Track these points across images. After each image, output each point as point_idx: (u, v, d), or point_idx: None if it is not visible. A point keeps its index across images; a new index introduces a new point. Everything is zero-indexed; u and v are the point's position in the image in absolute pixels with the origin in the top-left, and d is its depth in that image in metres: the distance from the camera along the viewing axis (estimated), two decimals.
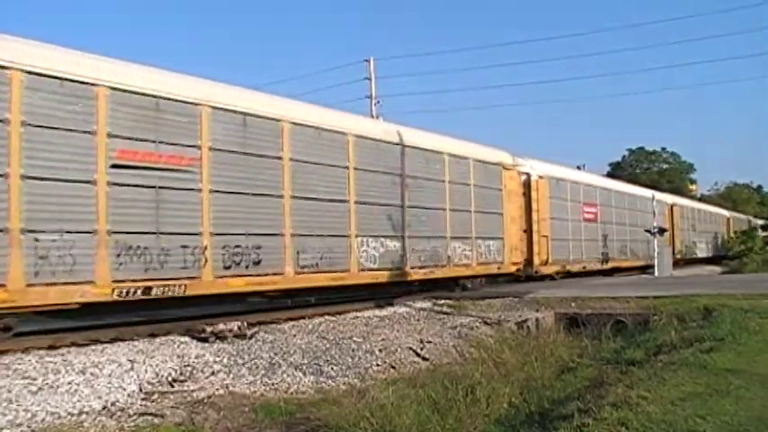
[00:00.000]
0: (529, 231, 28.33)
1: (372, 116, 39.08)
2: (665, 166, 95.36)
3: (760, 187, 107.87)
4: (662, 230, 36.85)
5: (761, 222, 72.50)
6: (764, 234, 62.70)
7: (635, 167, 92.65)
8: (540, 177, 29.45)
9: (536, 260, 28.46)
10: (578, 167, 45.99)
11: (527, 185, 28.54)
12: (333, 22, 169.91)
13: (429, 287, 22.70)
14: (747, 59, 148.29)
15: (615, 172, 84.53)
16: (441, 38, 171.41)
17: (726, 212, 67.90)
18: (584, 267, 32.94)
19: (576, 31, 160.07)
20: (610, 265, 36.23)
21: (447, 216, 22.83)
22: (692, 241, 51.75)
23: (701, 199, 78.81)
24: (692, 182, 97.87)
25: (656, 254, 33.51)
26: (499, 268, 25.68)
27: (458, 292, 23.21)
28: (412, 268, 20.91)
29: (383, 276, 19.78)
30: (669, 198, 49.28)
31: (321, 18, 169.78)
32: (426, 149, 22.24)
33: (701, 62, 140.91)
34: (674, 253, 42.29)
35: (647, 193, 43.53)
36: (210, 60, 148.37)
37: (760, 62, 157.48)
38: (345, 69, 66.77)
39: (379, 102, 43.28)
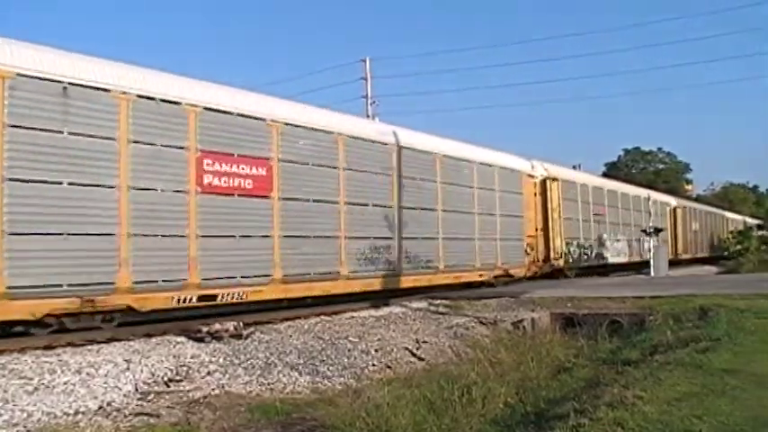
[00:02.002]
0: None
1: (368, 116, 39.08)
2: (661, 166, 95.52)
3: (756, 187, 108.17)
4: (657, 230, 36.75)
5: (756, 222, 72.37)
6: (761, 233, 62.61)
7: (631, 167, 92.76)
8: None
9: None
10: (574, 167, 45.30)
11: None
12: (329, 22, 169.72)
13: None
14: (744, 59, 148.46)
15: (611, 172, 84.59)
16: (438, 38, 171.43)
17: (672, 200, 50.83)
18: (238, 295, 16.09)
19: (573, 32, 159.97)
20: (349, 286, 19.25)
21: None
22: (595, 239, 34.84)
23: (698, 198, 78.55)
24: (689, 182, 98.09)
25: (651, 253, 33.47)
26: None
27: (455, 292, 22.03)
28: None
29: None
30: (538, 167, 30.76)
31: (317, 18, 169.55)
32: None
33: (698, 62, 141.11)
34: (548, 258, 30.29)
35: (478, 154, 26.16)
36: (206, 59, 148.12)
37: (756, 62, 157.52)
38: (341, 69, 66.56)
39: (375, 102, 43.31)
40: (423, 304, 19.79)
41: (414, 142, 22.47)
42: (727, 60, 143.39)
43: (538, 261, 29.69)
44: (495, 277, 26.02)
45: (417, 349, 15.02)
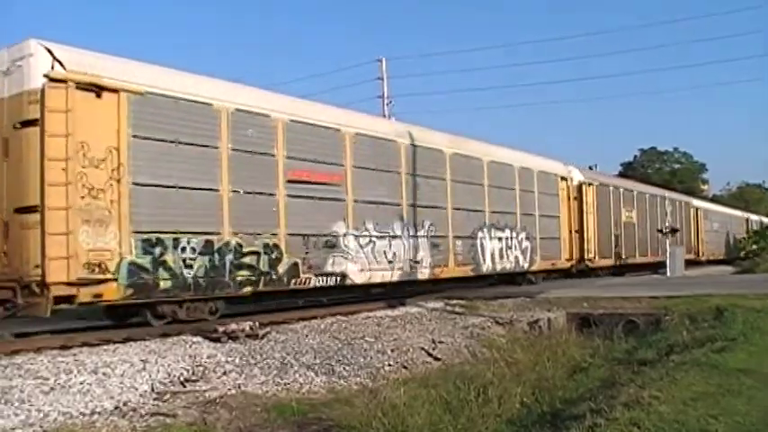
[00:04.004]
0: None
1: (384, 116, 39.09)
2: (677, 166, 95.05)
3: None
4: (674, 230, 36.45)
5: None
6: None
7: (647, 167, 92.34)
8: None
9: None
10: (590, 168, 44.88)
11: None
12: (347, 21, 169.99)
13: None
14: (761, 59, 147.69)
15: (627, 172, 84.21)
16: (451, 38, 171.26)
17: (575, 173, 32.10)
18: None
19: (589, 31, 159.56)
20: None
21: None
22: (303, 235, 17.01)
23: (713, 198, 78.02)
24: (704, 182, 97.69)
25: (667, 253, 33.11)
26: None
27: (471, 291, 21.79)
28: None
29: None
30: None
31: (336, 17, 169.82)
32: None
33: (716, 62, 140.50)
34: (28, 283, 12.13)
35: None
36: (228, 59, 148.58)
37: None
38: (359, 69, 66.68)
39: (391, 101, 43.23)
40: (439, 304, 19.78)
41: None
42: (744, 60, 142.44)
43: None
44: None
45: (433, 349, 15.01)
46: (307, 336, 14.41)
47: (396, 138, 20.62)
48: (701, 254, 48.46)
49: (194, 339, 12.98)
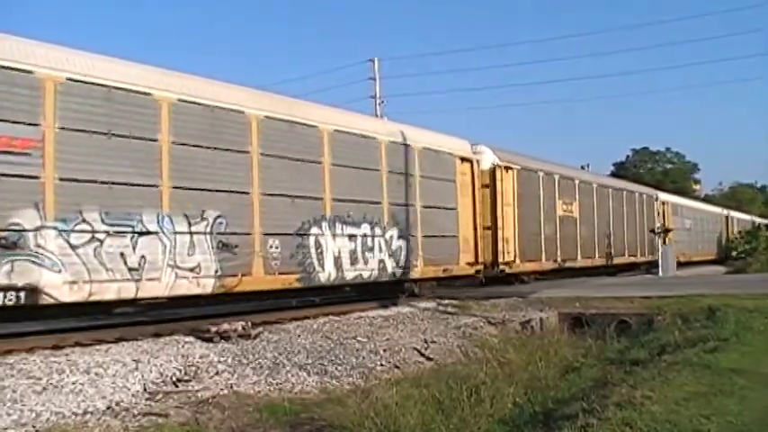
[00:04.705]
0: None
1: (377, 116, 39.10)
2: (669, 166, 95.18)
3: (764, 187, 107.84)
4: (666, 230, 36.50)
5: (765, 222, 71.82)
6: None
7: (639, 167, 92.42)
8: None
9: None
10: (582, 167, 45.02)
11: None
12: (344, 21, 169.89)
13: None
14: (754, 59, 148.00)
15: (619, 172, 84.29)
16: (443, 38, 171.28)
17: (486, 153, 25.22)
18: None
19: (581, 32, 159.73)
20: None
21: None
22: None
23: (705, 198, 77.99)
24: (696, 182, 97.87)
25: (659, 253, 33.14)
26: None
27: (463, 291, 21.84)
28: None
29: None
30: None
31: (333, 17, 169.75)
32: None
33: (707, 62, 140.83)
34: None
35: None
36: (215, 59, 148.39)
37: (766, 62, 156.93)
38: (354, 69, 66.81)
39: (383, 102, 43.22)
40: (431, 304, 19.78)
41: None
42: (736, 60, 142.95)
43: None
44: None
45: (426, 349, 15.00)
46: (299, 336, 14.40)
47: (152, 90, 14.01)
48: None
49: (186, 339, 12.96)
